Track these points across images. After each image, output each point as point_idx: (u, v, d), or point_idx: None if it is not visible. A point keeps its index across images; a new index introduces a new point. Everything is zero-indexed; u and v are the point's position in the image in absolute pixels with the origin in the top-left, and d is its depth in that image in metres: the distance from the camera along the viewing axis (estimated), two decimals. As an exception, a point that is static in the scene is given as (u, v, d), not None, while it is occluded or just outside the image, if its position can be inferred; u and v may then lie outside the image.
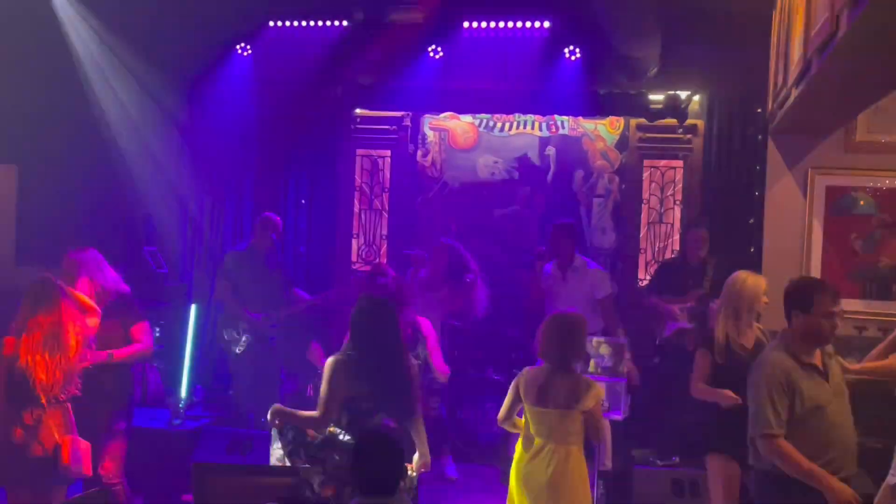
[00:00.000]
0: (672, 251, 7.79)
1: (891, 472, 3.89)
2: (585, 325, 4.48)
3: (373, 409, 4.10)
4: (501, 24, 7.02)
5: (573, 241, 6.50)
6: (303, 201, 8.06)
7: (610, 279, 6.66)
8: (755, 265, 6.48)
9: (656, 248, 7.85)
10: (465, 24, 7.04)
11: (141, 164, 7.12)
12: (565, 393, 4.25)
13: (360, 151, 8.45)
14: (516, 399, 4.42)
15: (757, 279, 4.67)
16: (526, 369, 4.43)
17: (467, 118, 8.22)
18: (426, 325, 5.45)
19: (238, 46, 7.31)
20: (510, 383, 6.43)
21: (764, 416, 3.75)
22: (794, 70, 4.61)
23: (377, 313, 4.21)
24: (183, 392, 7.02)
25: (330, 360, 4.17)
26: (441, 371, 5.42)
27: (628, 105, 7.29)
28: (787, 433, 3.74)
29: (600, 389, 4.41)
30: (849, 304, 5.77)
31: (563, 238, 6.45)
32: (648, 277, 7.85)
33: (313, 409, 4.13)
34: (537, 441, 4.30)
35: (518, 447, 4.45)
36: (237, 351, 6.65)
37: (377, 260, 8.36)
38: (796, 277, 4.30)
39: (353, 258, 8.45)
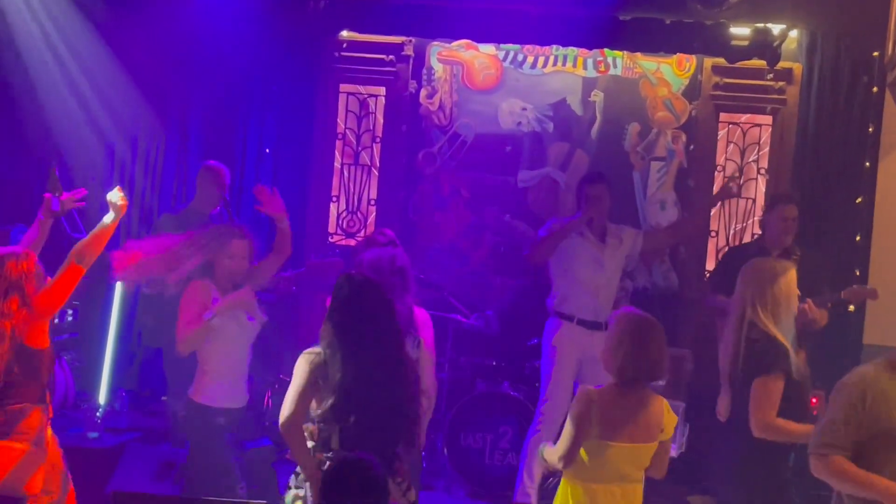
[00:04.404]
0: (752, 234, 7.80)
1: None
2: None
3: (352, 435, 4.15)
4: (538, -75, 7.10)
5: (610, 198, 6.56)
6: (266, 150, 8.10)
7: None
8: (861, 258, 6.58)
9: (731, 231, 7.93)
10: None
11: (53, 95, 7.16)
12: (642, 420, 4.27)
13: (344, 88, 8.47)
14: (587, 432, 4.24)
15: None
16: (591, 390, 4.30)
17: (488, 49, 8.22)
18: (423, 319, 5.29)
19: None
20: (531, 401, 6.60)
21: (823, 431, 3.80)
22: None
23: (365, 298, 4.26)
24: (102, 397, 7.13)
25: (303, 357, 4.28)
26: (429, 388, 5.18)
27: (702, 39, 7.27)
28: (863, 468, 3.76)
29: (673, 412, 4.39)
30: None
31: (602, 194, 6.50)
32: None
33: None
34: (597, 486, 4.29)
35: (564, 493, 4.40)
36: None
37: (363, 231, 8.40)
38: None
39: (332, 228, 8.50)
